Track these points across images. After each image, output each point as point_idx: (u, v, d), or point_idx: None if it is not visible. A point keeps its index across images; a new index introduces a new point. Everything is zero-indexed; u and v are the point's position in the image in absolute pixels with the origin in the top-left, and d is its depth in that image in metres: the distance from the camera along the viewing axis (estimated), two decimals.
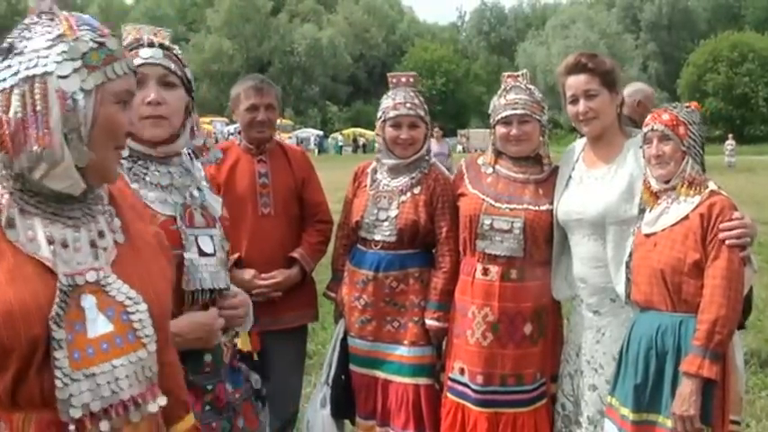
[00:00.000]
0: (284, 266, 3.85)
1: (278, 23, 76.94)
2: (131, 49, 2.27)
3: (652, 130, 3.04)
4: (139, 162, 2.31)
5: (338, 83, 79.88)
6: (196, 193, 2.36)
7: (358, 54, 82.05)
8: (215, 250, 2.33)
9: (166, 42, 2.35)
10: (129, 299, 1.62)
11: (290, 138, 59.15)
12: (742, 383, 3.11)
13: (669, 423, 2.92)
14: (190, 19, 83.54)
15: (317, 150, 55.57)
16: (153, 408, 1.65)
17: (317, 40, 77.23)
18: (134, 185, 2.23)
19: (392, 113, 3.73)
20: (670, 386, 2.94)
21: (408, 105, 3.71)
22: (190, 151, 2.45)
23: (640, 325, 3.07)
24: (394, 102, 3.75)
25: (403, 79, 3.84)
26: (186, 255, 2.24)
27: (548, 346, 3.59)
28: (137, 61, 2.19)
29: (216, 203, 2.43)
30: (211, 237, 2.34)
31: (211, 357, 2.33)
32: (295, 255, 3.86)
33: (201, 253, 2.28)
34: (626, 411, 3.05)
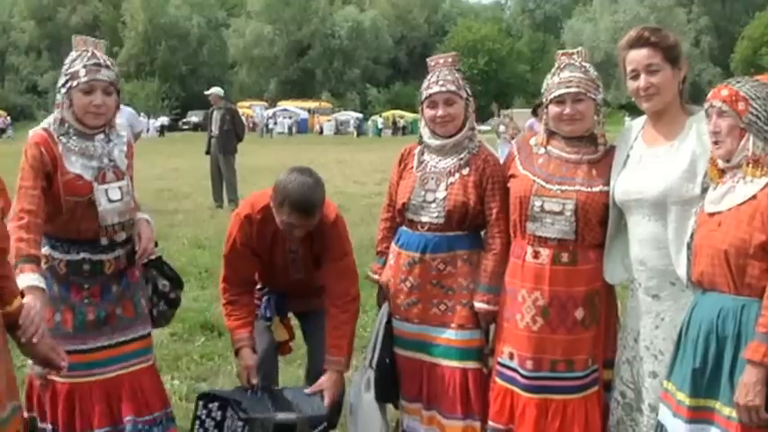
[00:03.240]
0: (316, 293, 4.04)
1: (318, 6, 77.21)
2: (95, 66, 3.42)
3: (711, 106, 2.98)
4: (74, 137, 3.42)
5: (379, 65, 79.99)
6: (106, 160, 3.47)
7: (399, 36, 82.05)
8: (122, 196, 3.50)
9: (107, 59, 3.47)
10: None
11: (329, 121, 59.59)
12: None
13: (726, 410, 2.87)
14: (230, 4, 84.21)
15: (356, 133, 55.78)
16: None
17: (359, 22, 77.41)
18: (68, 153, 3.39)
19: (426, 93, 3.75)
20: (728, 372, 2.89)
21: (441, 83, 3.72)
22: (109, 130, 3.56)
23: (701, 308, 3.00)
24: (428, 82, 3.77)
25: (441, 61, 3.83)
26: (97, 202, 3.40)
27: (600, 331, 3.56)
28: (95, 76, 3.40)
29: (122, 164, 3.54)
30: (119, 188, 3.49)
31: (89, 267, 3.48)
32: (335, 368, 3.85)
33: (110, 200, 3.44)
34: (682, 396, 3.00)
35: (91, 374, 3.47)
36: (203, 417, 3.73)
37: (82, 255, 3.46)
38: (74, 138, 3.41)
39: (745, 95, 2.91)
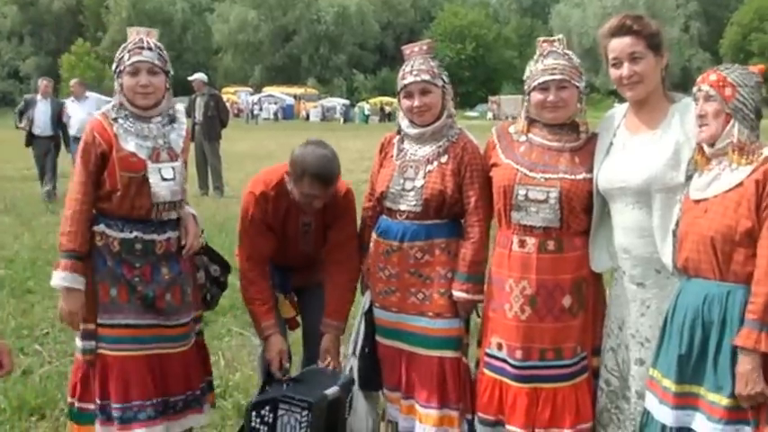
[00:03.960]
0: (316, 267, 4.18)
1: None
2: (137, 48, 3.66)
3: (699, 90, 3.01)
4: (130, 119, 3.66)
5: (365, 50, 79.78)
6: (161, 141, 3.69)
7: (386, 21, 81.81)
8: (174, 176, 3.69)
9: (155, 42, 3.70)
10: None
11: (315, 107, 59.49)
12: None
13: (711, 396, 2.91)
14: None
15: (342, 119, 55.68)
16: None
17: (345, 7, 77.09)
18: (124, 134, 3.63)
19: (402, 83, 3.74)
20: (713, 358, 2.92)
21: (415, 73, 3.70)
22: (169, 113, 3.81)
23: (686, 294, 3.03)
24: (404, 72, 3.76)
25: (416, 49, 3.80)
26: (151, 179, 3.60)
27: (588, 318, 3.56)
28: (138, 58, 3.63)
29: (177, 146, 3.75)
30: (173, 168, 3.69)
31: (141, 246, 3.66)
32: (332, 331, 4.03)
33: (163, 179, 3.64)
34: (668, 383, 3.03)
35: (139, 349, 3.67)
36: (257, 425, 3.71)
37: (135, 233, 3.65)
38: (130, 119, 3.67)
39: (732, 82, 2.94)
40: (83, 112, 13.31)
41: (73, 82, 15.00)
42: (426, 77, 3.69)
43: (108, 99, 11.60)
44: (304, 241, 4.09)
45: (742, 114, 2.93)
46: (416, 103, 3.70)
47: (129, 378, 3.64)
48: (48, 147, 13.78)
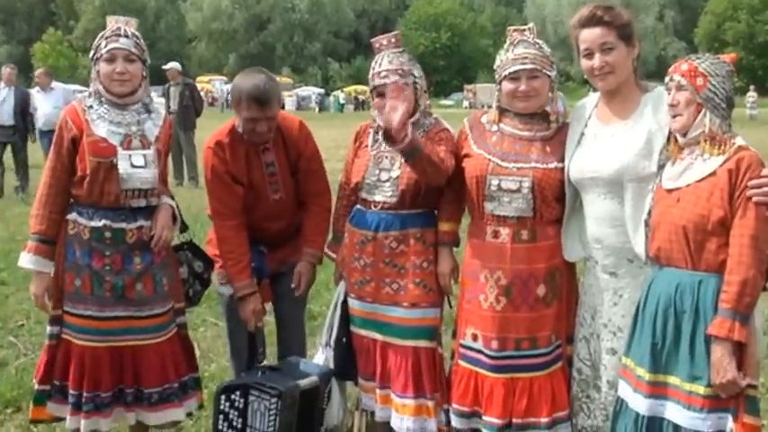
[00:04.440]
0: (297, 237, 4.17)
1: None
2: (114, 35, 3.66)
3: (671, 80, 3.03)
4: (105, 106, 3.69)
5: (340, 39, 79.46)
6: (134, 128, 3.69)
7: (361, 9, 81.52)
8: (146, 163, 3.68)
9: (133, 31, 3.70)
10: None
11: (290, 96, 59.18)
12: (761, 347, 3.09)
13: (687, 386, 2.93)
14: None
15: (317, 108, 55.46)
16: None
17: None
18: (96, 120, 3.66)
19: (374, 84, 3.72)
20: (688, 347, 2.94)
21: (384, 74, 3.68)
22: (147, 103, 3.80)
23: (658, 283, 3.05)
24: (373, 70, 3.74)
25: (384, 42, 3.78)
26: (119, 165, 3.61)
27: (563, 307, 3.58)
28: (115, 45, 3.64)
29: (151, 135, 3.74)
30: (144, 155, 3.68)
31: (111, 234, 3.66)
32: (308, 259, 4.10)
33: (133, 165, 3.63)
34: (642, 372, 3.05)
35: (103, 340, 3.68)
36: (226, 410, 3.75)
37: (103, 221, 3.66)
38: (105, 106, 3.69)
39: (703, 71, 2.96)
40: (48, 105, 12.96)
41: (38, 72, 14.48)
42: (396, 77, 3.65)
43: (79, 89, 11.46)
44: (272, 187, 4.05)
45: (713, 104, 2.95)
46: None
47: (85, 367, 3.67)
48: (8, 136, 13.07)
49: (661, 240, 3.03)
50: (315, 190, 4.14)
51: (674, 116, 3.01)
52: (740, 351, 2.85)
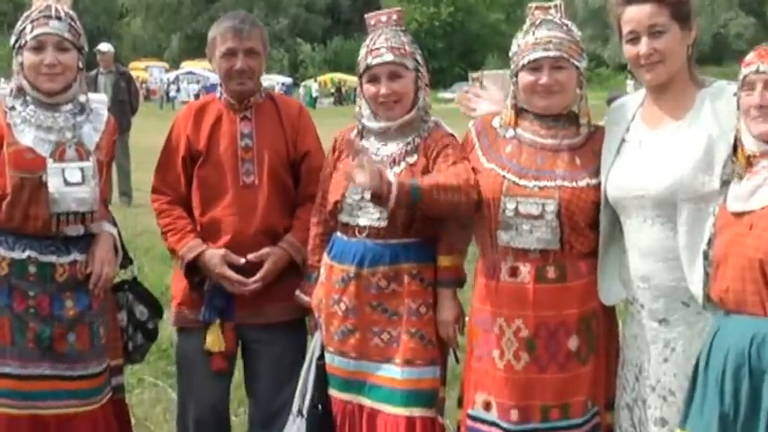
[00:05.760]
0: (279, 282, 4.08)
1: None
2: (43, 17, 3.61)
3: (757, 71, 2.97)
4: (30, 106, 3.66)
5: (313, 13, 79.86)
6: (69, 134, 3.65)
7: None
8: (83, 179, 3.62)
9: (66, 10, 3.64)
10: None
11: None
12: None
13: None
14: None
15: None
16: None
17: None
18: (21, 124, 3.63)
19: (365, 63, 3.75)
20: None
21: (383, 51, 3.70)
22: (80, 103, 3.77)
23: (726, 334, 3.01)
24: (367, 49, 3.77)
25: (383, 18, 3.81)
26: (50, 182, 3.56)
27: (600, 364, 3.57)
28: (43, 30, 3.59)
29: (90, 142, 3.72)
30: (81, 169, 3.63)
31: (36, 270, 3.61)
32: (283, 245, 4.08)
33: (67, 182, 3.58)
34: None
35: (25, 407, 3.63)
36: None
37: (27, 253, 3.62)
38: (31, 107, 3.67)
39: None
40: None
41: None
42: (396, 58, 3.68)
43: None
44: (244, 167, 4.08)
45: None
46: (383, 90, 3.70)
47: None
48: None
49: (729, 279, 2.99)
50: (307, 194, 4.16)
51: (764, 117, 2.95)
52: None
